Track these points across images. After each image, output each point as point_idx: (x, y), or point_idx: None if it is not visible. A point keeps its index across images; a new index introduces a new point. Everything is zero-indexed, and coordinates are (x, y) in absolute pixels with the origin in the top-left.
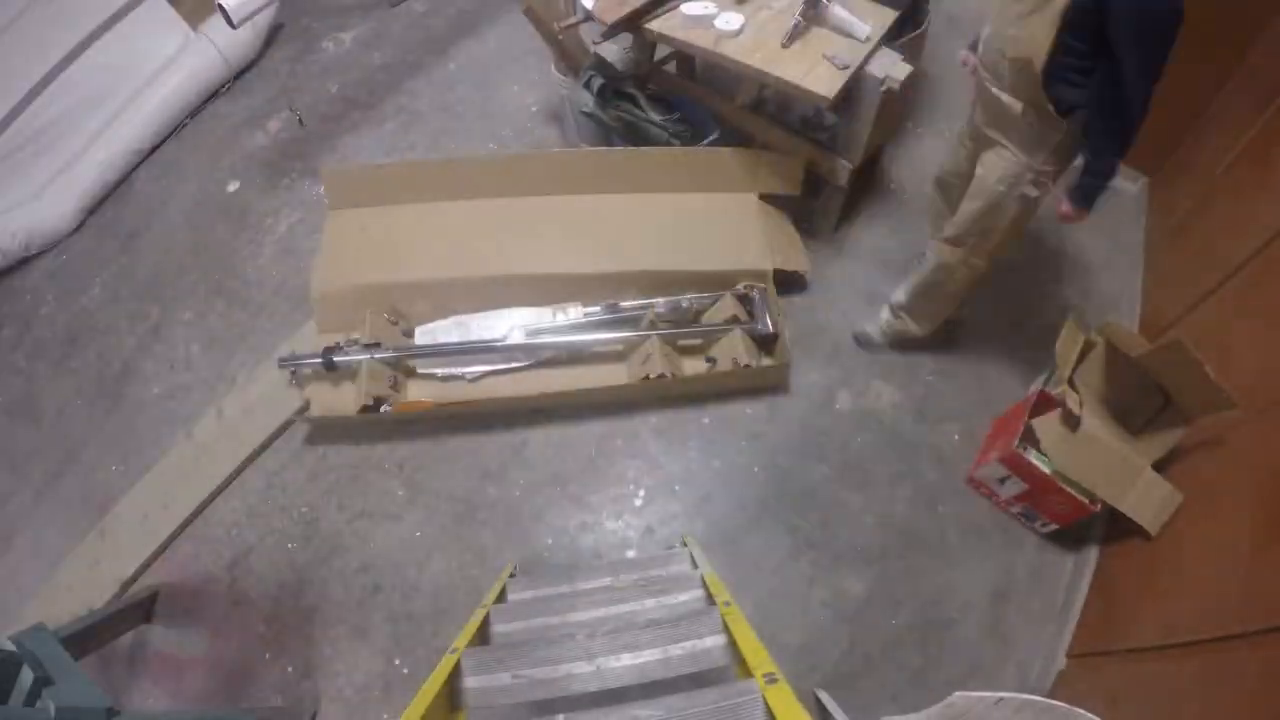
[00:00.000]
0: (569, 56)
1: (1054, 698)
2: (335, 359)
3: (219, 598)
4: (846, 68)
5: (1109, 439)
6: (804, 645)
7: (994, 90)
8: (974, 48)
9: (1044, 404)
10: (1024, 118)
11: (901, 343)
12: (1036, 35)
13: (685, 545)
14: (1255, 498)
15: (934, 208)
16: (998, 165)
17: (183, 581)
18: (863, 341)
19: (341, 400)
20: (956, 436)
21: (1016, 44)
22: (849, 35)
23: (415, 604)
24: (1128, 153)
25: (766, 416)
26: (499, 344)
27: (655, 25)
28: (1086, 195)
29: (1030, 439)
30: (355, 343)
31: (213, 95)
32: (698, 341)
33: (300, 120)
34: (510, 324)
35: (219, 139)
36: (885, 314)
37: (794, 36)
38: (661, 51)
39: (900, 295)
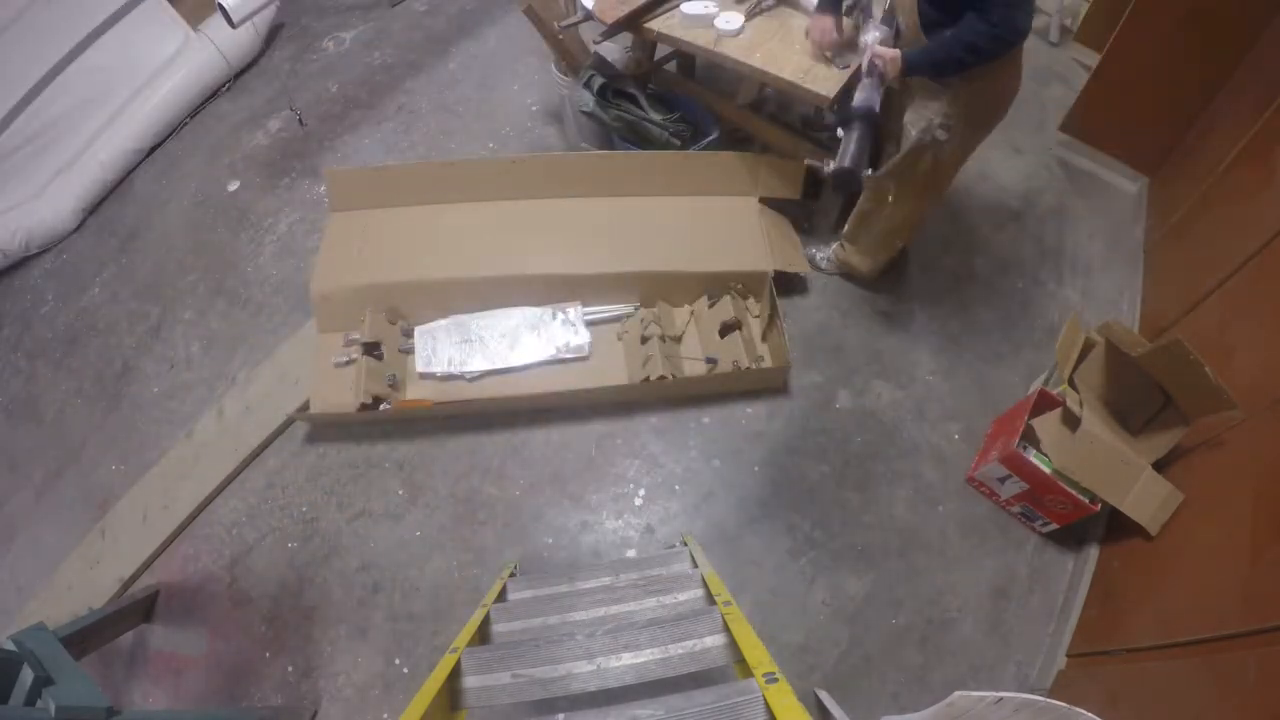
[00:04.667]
0: (569, 56)
1: (1054, 698)
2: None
3: (219, 597)
4: (847, 67)
5: (1109, 439)
6: (804, 645)
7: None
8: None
9: (1044, 404)
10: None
11: (847, 274)
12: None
13: (685, 544)
14: (1255, 498)
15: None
16: (913, 117)
17: (183, 581)
18: (813, 263)
19: (341, 398)
20: (956, 436)
21: (901, 9)
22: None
23: (415, 604)
24: (954, 66)
25: (767, 416)
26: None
27: (655, 25)
28: (910, 60)
29: (1030, 439)
30: (355, 342)
31: (213, 95)
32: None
33: (300, 120)
34: (510, 323)
35: (219, 139)
36: (835, 244)
37: (756, 10)
38: (661, 51)
39: (846, 225)
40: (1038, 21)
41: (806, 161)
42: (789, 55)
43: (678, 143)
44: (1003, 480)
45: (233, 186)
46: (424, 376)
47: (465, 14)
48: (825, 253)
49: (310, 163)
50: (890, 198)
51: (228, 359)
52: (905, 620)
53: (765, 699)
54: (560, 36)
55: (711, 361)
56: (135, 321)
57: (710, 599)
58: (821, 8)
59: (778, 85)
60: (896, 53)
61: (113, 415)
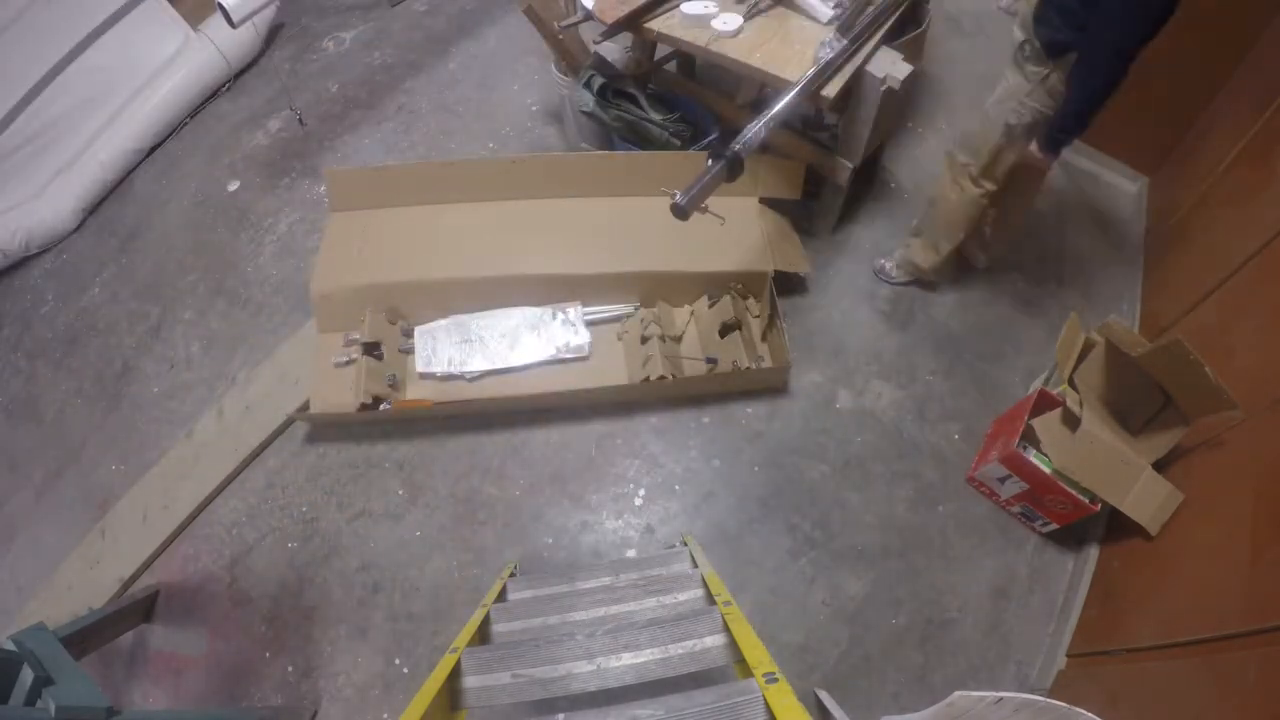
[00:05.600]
0: (569, 56)
1: (1054, 698)
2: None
3: (219, 597)
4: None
5: (1109, 439)
6: (804, 645)
7: (1014, 25)
8: None
9: (1044, 404)
10: (1022, 50)
11: (913, 275)
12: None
13: (685, 544)
14: (1255, 498)
15: None
16: (998, 88)
17: (183, 581)
18: (879, 273)
19: (341, 398)
20: (956, 436)
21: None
22: (812, 18)
23: (415, 604)
24: (1093, 114)
25: (767, 416)
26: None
27: (655, 25)
28: (1051, 143)
29: (1030, 439)
30: (355, 342)
31: (213, 95)
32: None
33: (300, 120)
34: (510, 323)
35: (219, 139)
36: (900, 248)
37: (754, 11)
38: (661, 51)
39: (914, 220)
40: None
41: (662, 190)
42: (788, 55)
43: (678, 143)
44: (1003, 480)
45: (233, 186)
46: (424, 376)
47: (465, 14)
48: (892, 261)
49: (310, 163)
50: (952, 180)
51: (228, 359)
52: (905, 620)
53: (765, 699)
54: (560, 36)
55: (711, 361)
56: (135, 321)
57: (710, 599)
58: None
59: (778, 85)
60: (1045, 156)
61: (113, 415)
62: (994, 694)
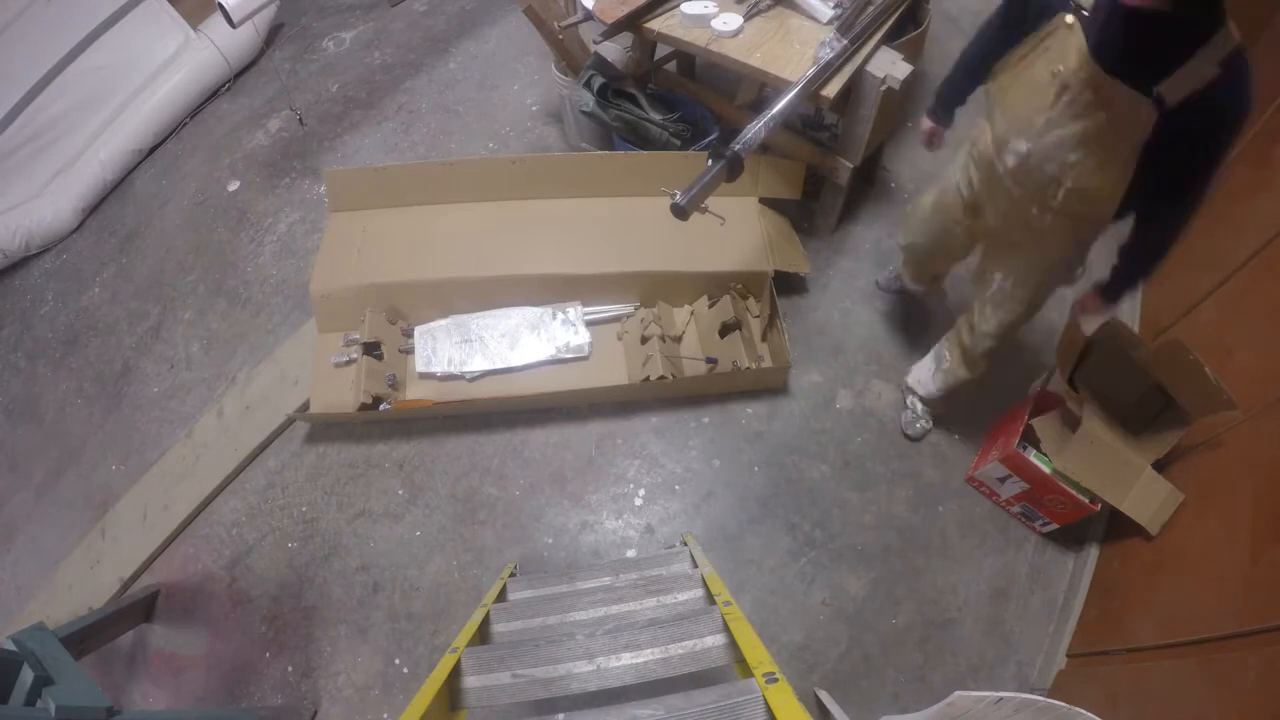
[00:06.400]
0: (569, 56)
1: (1054, 697)
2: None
3: (219, 597)
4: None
5: (1109, 439)
6: (804, 644)
7: (1031, 208)
8: (937, 114)
9: (1044, 404)
10: (1058, 230)
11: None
12: (1110, 171)
13: (685, 544)
14: (1255, 498)
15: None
16: (1026, 274)
17: (183, 581)
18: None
19: (341, 398)
20: (956, 436)
21: (1081, 175)
22: (812, 18)
23: (415, 604)
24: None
25: (767, 416)
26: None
27: (655, 25)
28: (1118, 296)
29: (1030, 439)
30: (355, 342)
31: (213, 95)
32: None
33: (300, 120)
34: (510, 323)
35: (219, 139)
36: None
37: (754, 11)
38: (662, 51)
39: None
40: None
41: (662, 190)
42: (788, 55)
43: (678, 143)
44: (1003, 480)
45: (233, 186)
46: (424, 376)
47: (465, 14)
48: (910, 420)
49: (310, 163)
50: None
51: (228, 359)
52: (905, 620)
53: (765, 699)
54: (560, 36)
55: (711, 361)
56: (135, 321)
57: (710, 599)
58: (930, 114)
59: (778, 85)
60: (1107, 307)
61: (113, 415)
62: (994, 694)
